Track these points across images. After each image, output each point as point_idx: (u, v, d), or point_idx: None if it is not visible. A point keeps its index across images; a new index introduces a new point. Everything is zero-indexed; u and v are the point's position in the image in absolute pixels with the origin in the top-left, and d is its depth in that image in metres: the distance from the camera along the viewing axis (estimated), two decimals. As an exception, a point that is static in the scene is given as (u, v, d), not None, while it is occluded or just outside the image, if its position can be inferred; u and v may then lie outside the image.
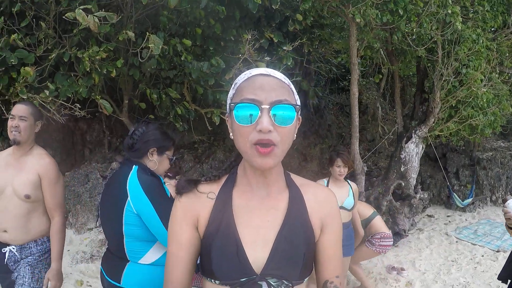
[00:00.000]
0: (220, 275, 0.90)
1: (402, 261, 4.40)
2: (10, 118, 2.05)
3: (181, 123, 5.96)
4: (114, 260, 1.70)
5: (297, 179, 1.03)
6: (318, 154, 8.43)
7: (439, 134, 4.98)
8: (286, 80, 0.90)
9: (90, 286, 3.58)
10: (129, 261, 1.64)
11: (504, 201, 1.83)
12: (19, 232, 2.02)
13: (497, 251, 4.63)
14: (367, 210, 3.60)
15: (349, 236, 2.99)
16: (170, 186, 2.24)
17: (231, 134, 0.91)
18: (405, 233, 4.90)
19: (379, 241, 3.39)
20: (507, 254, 4.20)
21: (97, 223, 5.17)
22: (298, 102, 0.91)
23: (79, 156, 6.82)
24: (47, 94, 3.87)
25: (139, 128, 1.82)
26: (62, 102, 4.12)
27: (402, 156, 5.08)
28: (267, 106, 0.82)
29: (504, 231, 5.04)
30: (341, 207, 2.89)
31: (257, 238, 0.90)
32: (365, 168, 5.12)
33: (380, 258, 4.51)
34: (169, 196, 1.71)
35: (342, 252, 2.78)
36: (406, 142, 5.06)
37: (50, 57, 3.81)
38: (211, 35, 4.73)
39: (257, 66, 4.42)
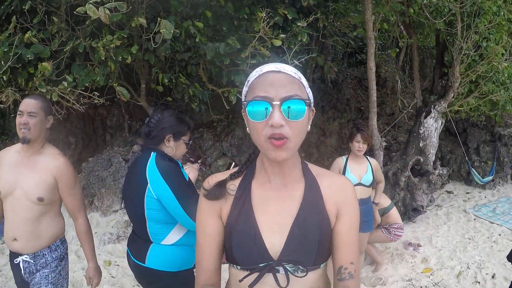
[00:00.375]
0: (241, 260, 0.96)
1: (419, 237, 4.41)
2: (18, 114, 1.82)
3: (196, 103, 6.04)
4: (138, 242, 1.80)
5: (314, 169, 1.07)
6: (337, 129, 8.35)
7: (458, 110, 4.83)
8: (297, 75, 0.92)
9: (118, 265, 3.79)
10: (152, 242, 1.74)
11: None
12: (31, 239, 1.84)
13: (516, 230, 4.53)
14: (385, 200, 3.68)
15: (367, 212, 3.05)
16: (192, 169, 2.24)
17: (248, 128, 0.95)
18: (423, 209, 4.90)
19: (395, 230, 3.55)
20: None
21: (122, 205, 5.44)
22: (311, 96, 0.95)
23: (100, 141, 7.04)
24: (66, 85, 3.99)
25: (154, 116, 1.87)
26: (81, 91, 4.26)
27: (421, 132, 4.98)
28: (278, 102, 0.85)
29: None
30: (359, 184, 2.93)
31: (274, 226, 0.96)
32: (384, 144, 5.07)
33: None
34: (188, 179, 1.79)
35: (361, 228, 2.89)
36: (425, 117, 4.94)
37: (65, 50, 3.86)
38: (224, 15, 4.67)
39: (272, 44, 4.40)
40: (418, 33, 5.08)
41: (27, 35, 3.40)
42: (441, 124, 5.04)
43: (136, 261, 1.78)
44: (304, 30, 4.66)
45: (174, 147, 1.83)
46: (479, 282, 3.29)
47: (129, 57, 4.12)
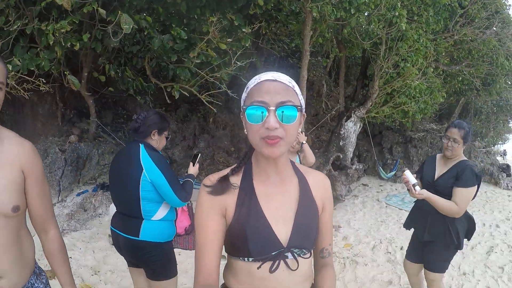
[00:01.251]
0: (256, 252, 1.03)
1: (339, 220, 5.18)
2: None
3: (139, 96, 6.08)
4: (129, 220, 2.07)
5: (300, 167, 1.19)
6: None
7: (375, 116, 5.73)
8: (291, 84, 1.00)
9: (71, 257, 3.78)
10: (143, 219, 2.04)
11: (403, 172, 2.40)
12: (16, 269, 1.26)
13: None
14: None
15: None
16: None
17: (245, 129, 1.02)
18: (342, 198, 5.74)
19: None
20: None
21: (59, 198, 5.23)
22: (302, 102, 1.03)
23: (30, 130, 6.57)
24: (10, 68, 3.80)
25: (141, 114, 2.15)
26: (24, 76, 4.07)
27: (342, 132, 5.82)
28: (273, 108, 0.94)
29: None
30: None
31: (279, 218, 1.05)
32: (310, 141, 5.80)
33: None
34: (169, 163, 2.16)
35: None
36: (346, 121, 5.78)
37: (12, 29, 3.71)
38: (175, 13, 4.87)
39: (219, 47, 4.74)
40: (347, 48, 5.86)
41: None
42: (359, 127, 5.94)
43: (129, 236, 2.04)
44: (248, 36, 5.11)
45: (158, 141, 2.14)
46: (390, 252, 4.04)
47: (78, 44, 4.05)
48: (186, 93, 5.40)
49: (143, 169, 1.99)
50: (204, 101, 5.42)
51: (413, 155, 7.53)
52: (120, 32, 3.93)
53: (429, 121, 9.03)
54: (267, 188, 1.07)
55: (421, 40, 5.02)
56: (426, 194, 2.26)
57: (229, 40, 4.92)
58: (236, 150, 8.65)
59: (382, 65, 4.94)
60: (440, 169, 2.46)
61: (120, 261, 2.17)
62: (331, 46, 5.96)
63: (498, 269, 3.73)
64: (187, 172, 2.30)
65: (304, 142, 3.59)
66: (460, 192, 2.25)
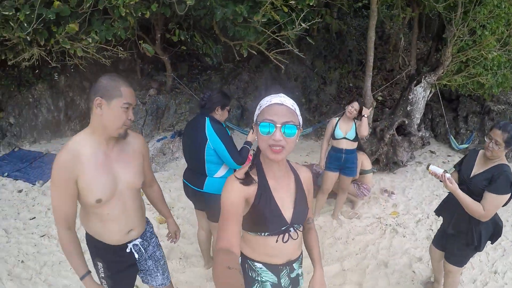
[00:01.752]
0: (271, 228, 1.42)
1: (396, 186, 5.16)
2: (126, 107, 1.56)
3: (208, 58, 6.40)
4: (197, 176, 2.63)
5: (292, 164, 1.57)
6: (337, 78, 8.68)
7: (447, 84, 5.20)
8: (293, 107, 1.33)
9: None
10: (207, 176, 2.60)
11: (427, 167, 2.38)
12: (141, 223, 1.85)
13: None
14: (367, 164, 4.42)
15: (352, 160, 3.80)
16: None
17: (256, 138, 1.36)
18: (402, 163, 5.62)
19: (364, 189, 4.33)
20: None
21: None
22: (300, 120, 1.35)
23: None
24: (90, 41, 4.33)
25: (206, 93, 2.61)
26: (103, 45, 4.65)
27: (410, 97, 5.49)
28: (279, 125, 1.26)
29: None
30: (345, 138, 3.70)
31: (285, 204, 1.44)
32: (374, 103, 5.62)
33: (377, 181, 5.34)
34: (230, 135, 2.62)
35: (346, 172, 3.77)
36: (415, 85, 5.40)
37: (85, 7, 4.08)
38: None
39: (282, 9, 4.72)
40: (419, 7, 5.28)
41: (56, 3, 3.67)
42: (430, 93, 5.51)
43: (195, 188, 2.62)
44: (314, -6, 4.90)
45: (221, 114, 2.60)
46: (432, 230, 4.03)
47: (148, 12, 4.40)
48: (254, 52, 5.59)
49: (207, 139, 2.50)
50: (272, 58, 5.54)
51: (488, 129, 6.89)
52: (185, 4, 4.18)
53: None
54: (276, 182, 1.43)
55: (503, 5, 4.30)
56: (455, 187, 2.25)
57: (292, 1, 4.83)
58: (307, 102, 8.69)
59: (456, 31, 4.40)
60: (477, 168, 2.39)
61: (190, 202, 2.82)
62: (402, 5, 5.37)
63: None
64: (246, 139, 2.73)
65: (366, 116, 3.71)
66: (490, 197, 2.20)
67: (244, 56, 5.71)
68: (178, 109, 7.36)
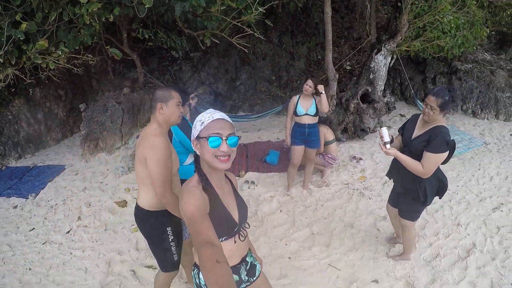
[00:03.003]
0: (228, 232, 1.54)
1: (364, 152, 5.54)
2: (177, 105, 2.24)
3: (175, 51, 6.56)
4: None
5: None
6: (306, 53, 8.86)
7: (407, 50, 5.42)
8: (230, 120, 1.49)
9: (136, 190, 4.89)
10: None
11: (381, 127, 2.62)
12: None
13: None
14: (330, 135, 4.81)
15: (315, 134, 4.20)
16: None
17: (198, 151, 1.48)
18: (369, 130, 6.02)
19: (329, 159, 4.75)
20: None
21: (122, 142, 6.34)
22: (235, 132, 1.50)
23: (87, 87, 7.59)
24: (60, 53, 4.51)
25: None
26: (73, 55, 4.82)
27: (372, 66, 5.78)
28: (225, 138, 1.42)
29: (456, 141, 5.71)
30: (307, 114, 4.06)
31: (230, 207, 1.57)
32: (337, 76, 5.88)
33: (347, 149, 5.72)
34: (191, 126, 2.99)
35: (310, 145, 4.24)
36: (376, 54, 5.68)
37: (50, 21, 4.21)
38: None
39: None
40: None
41: (23, 25, 3.82)
42: (392, 60, 5.79)
43: None
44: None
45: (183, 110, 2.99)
46: None
47: (111, 16, 4.57)
48: (216, 40, 5.81)
49: (172, 134, 2.88)
50: (235, 43, 5.76)
51: (456, 88, 7.15)
52: (144, 8, 4.35)
53: (486, 49, 7.88)
54: (221, 190, 1.57)
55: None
56: (394, 152, 2.50)
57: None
58: (277, 78, 8.91)
59: None
60: (418, 130, 2.61)
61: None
62: None
63: (494, 229, 3.60)
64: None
65: (323, 92, 4.03)
66: (428, 156, 2.42)
67: (208, 45, 5.93)
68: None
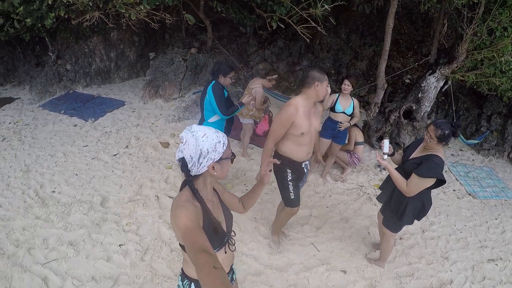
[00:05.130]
0: (219, 243, 1.60)
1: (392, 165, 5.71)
2: (328, 85, 2.84)
3: (241, 27, 7.04)
4: (201, 120, 3.76)
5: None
6: (370, 55, 8.87)
7: (461, 79, 5.28)
8: None
9: (178, 136, 5.60)
10: (205, 120, 3.70)
11: (381, 139, 2.91)
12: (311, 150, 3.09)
13: (469, 194, 5.11)
14: (360, 137, 5.07)
15: (344, 131, 4.55)
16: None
17: (214, 172, 1.51)
18: (403, 146, 6.10)
19: (354, 159, 5.01)
20: (472, 198, 4.92)
21: (179, 94, 7.11)
22: None
23: (159, 39, 8.37)
24: (142, 8, 5.17)
25: (216, 64, 3.61)
26: (153, 11, 5.47)
27: (423, 85, 5.75)
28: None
29: (488, 185, 5.43)
30: (343, 112, 4.40)
31: (221, 219, 1.64)
32: (385, 85, 5.97)
33: (375, 156, 5.89)
34: (226, 95, 3.64)
35: (337, 140, 4.73)
36: (430, 74, 5.63)
37: None
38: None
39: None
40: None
41: None
42: (446, 85, 5.67)
43: None
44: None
45: (224, 81, 3.60)
46: None
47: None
48: (282, 25, 6.21)
49: (206, 94, 3.56)
50: (299, 32, 6.13)
51: (509, 132, 6.42)
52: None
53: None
54: (211, 203, 1.61)
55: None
56: (386, 164, 2.66)
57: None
58: (336, 73, 9.05)
59: (471, 29, 4.50)
60: (416, 153, 2.72)
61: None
62: None
63: (479, 276, 3.52)
64: (241, 100, 3.74)
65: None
66: (413, 177, 2.55)
67: (274, 28, 6.33)
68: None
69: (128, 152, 5.00)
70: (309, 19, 5.77)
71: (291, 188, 3.05)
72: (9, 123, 5.87)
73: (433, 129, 2.54)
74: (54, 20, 5.47)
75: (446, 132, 2.49)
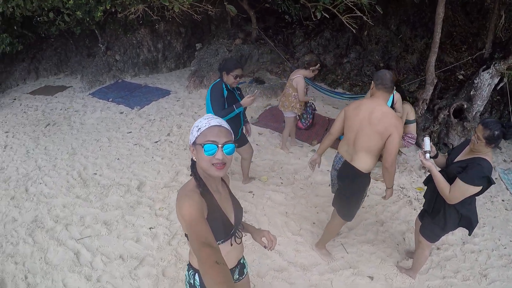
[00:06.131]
0: (225, 234, 1.55)
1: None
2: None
3: (287, 15, 6.96)
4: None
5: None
6: (421, 48, 8.31)
7: None
8: (228, 127, 1.45)
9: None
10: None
11: (424, 136, 2.55)
12: None
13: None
14: (412, 115, 4.48)
15: None
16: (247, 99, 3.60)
17: (194, 157, 1.45)
18: (452, 147, 5.68)
19: (409, 139, 4.42)
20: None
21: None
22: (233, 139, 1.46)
23: (206, 30, 8.51)
24: (185, 0, 5.27)
25: (221, 62, 3.34)
26: (196, 3, 5.57)
27: (476, 82, 5.26)
28: (221, 145, 1.37)
29: None
30: None
31: (227, 210, 1.58)
32: (435, 81, 5.54)
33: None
34: (225, 96, 3.24)
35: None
36: (484, 70, 5.15)
37: None
38: None
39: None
40: None
41: None
42: (501, 82, 5.19)
43: None
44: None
45: (227, 79, 3.23)
46: None
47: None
48: (326, 15, 6.03)
49: (207, 93, 3.32)
50: (345, 22, 5.93)
51: None
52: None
53: None
54: (218, 194, 1.55)
55: None
56: (429, 164, 2.46)
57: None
58: (385, 66, 8.60)
59: None
60: (462, 156, 2.50)
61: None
62: None
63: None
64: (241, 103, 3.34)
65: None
66: (458, 184, 2.34)
67: (318, 18, 6.16)
68: (260, 59, 8.14)
69: (169, 140, 5.17)
70: (354, 8, 5.53)
71: (360, 205, 2.92)
72: (60, 109, 6.38)
73: (481, 129, 2.29)
74: (102, 13, 5.77)
75: (496, 132, 2.25)
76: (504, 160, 5.83)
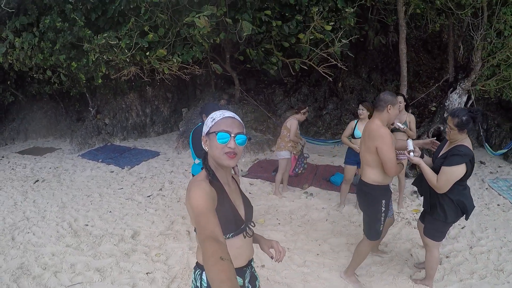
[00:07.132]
0: (235, 227, 1.51)
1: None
2: (398, 108, 2.75)
3: (273, 69, 7.50)
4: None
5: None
6: (394, 90, 8.86)
7: (481, 89, 5.15)
8: (241, 121, 1.49)
9: None
10: (193, 160, 3.52)
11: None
12: None
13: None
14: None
15: None
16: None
17: (206, 147, 1.47)
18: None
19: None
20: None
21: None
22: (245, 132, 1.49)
23: (191, 95, 9.00)
24: (175, 61, 5.70)
25: (203, 105, 3.56)
26: (183, 65, 6.01)
27: (446, 104, 5.62)
28: (233, 135, 1.39)
29: None
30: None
31: (237, 204, 1.55)
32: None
33: (410, 184, 5.53)
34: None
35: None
36: (451, 92, 5.54)
37: (169, 36, 5.46)
38: (288, 4, 5.91)
39: (324, 29, 5.55)
40: (454, 15, 5.31)
41: (149, 36, 5.09)
42: (471, 100, 5.60)
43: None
44: (351, 15, 5.65)
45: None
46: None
47: (218, 39, 5.67)
48: (305, 67, 6.50)
49: (190, 137, 3.44)
50: (321, 72, 6.38)
51: (479, 109, 6.43)
52: (244, 35, 5.29)
53: None
54: (228, 187, 1.55)
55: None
56: (417, 160, 2.60)
57: (332, 24, 5.65)
58: (362, 113, 9.07)
59: (480, 35, 4.50)
60: (444, 150, 2.64)
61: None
62: (432, 17, 5.54)
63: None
64: None
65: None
66: (443, 170, 2.47)
67: (297, 71, 6.64)
68: (245, 117, 8.48)
69: (162, 194, 5.14)
70: (328, 57, 6.03)
71: (382, 220, 2.85)
72: (50, 168, 6.39)
73: (450, 119, 2.50)
74: (100, 78, 6.14)
75: (464, 118, 2.42)
76: (491, 172, 6.03)
